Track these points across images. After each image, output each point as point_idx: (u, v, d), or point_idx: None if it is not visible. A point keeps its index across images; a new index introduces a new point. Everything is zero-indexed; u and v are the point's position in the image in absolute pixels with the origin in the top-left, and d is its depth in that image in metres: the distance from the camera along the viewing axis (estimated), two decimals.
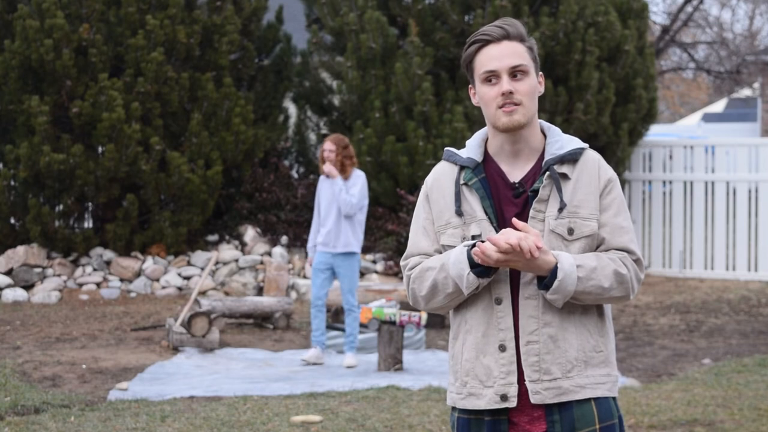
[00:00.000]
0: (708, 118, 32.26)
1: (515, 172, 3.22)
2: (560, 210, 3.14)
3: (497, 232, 3.15)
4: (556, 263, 3.07)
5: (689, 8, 27.87)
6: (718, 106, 38.09)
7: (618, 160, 14.74)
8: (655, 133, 20.64)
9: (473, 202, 3.20)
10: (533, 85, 3.18)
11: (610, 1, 14.82)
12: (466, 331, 3.22)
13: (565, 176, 3.18)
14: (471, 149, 3.27)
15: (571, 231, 3.15)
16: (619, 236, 3.18)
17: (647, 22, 15.97)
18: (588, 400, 3.15)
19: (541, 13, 14.01)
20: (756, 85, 30.45)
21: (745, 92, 33.98)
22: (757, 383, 8.36)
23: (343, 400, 7.81)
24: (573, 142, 3.23)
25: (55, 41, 13.16)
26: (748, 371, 8.87)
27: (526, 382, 3.14)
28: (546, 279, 3.09)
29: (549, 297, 3.10)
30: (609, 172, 3.22)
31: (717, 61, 29.87)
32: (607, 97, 14.49)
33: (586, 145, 3.25)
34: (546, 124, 3.27)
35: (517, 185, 3.19)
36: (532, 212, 3.16)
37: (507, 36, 3.18)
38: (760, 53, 25.49)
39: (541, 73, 3.25)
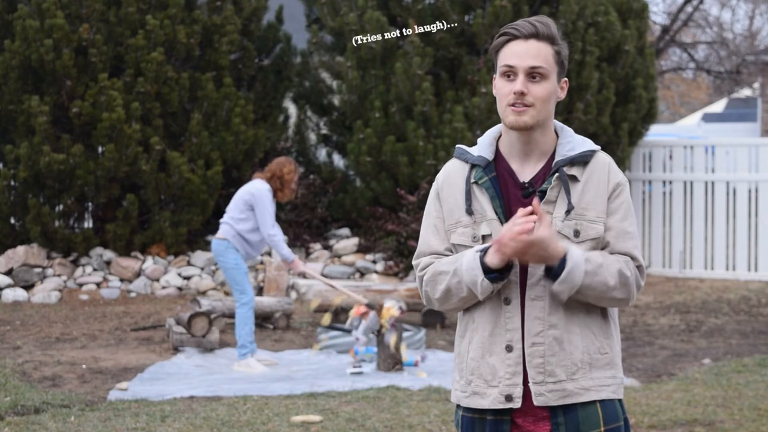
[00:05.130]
0: (708, 118, 32.23)
1: (525, 172, 3.20)
2: (567, 212, 3.13)
3: None
4: (566, 253, 3.06)
5: (689, 8, 27.87)
6: (718, 106, 38.04)
7: (618, 160, 14.73)
8: (655, 133, 20.63)
9: (483, 202, 3.18)
10: (550, 89, 3.15)
11: (610, 1, 14.82)
12: (473, 329, 3.21)
13: (574, 178, 3.16)
14: (482, 147, 3.24)
15: (577, 233, 3.14)
16: (623, 241, 3.17)
17: (647, 22, 15.97)
18: (593, 402, 3.14)
19: (540, 13, 14.01)
20: (756, 85, 30.44)
21: (745, 92, 33.96)
22: (757, 383, 8.36)
23: (343, 400, 7.82)
24: (585, 144, 3.21)
25: (55, 41, 13.16)
26: (748, 371, 8.87)
27: (530, 384, 3.13)
28: (554, 269, 3.06)
29: (555, 288, 3.08)
30: (619, 176, 3.21)
31: (717, 61, 29.87)
32: (607, 97, 14.49)
33: (597, 148, 3.22)
34: (559, 125, 3.25)
35: (526, 185, 3.18)
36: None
37: (536, 35, 3.15)
38: (760, 53, 25.48)
39: (565, 79, 3.22)
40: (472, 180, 3.21)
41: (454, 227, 3.23)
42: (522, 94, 3.12)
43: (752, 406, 7.57)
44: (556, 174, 3.15)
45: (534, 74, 3.14)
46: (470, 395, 3.21)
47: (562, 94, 3.22)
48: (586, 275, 3.07)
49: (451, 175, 3.26)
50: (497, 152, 3.24)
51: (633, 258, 3.17)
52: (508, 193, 3.18)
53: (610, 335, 3.21)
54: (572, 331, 3.14)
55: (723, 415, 7.31)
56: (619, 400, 3.20)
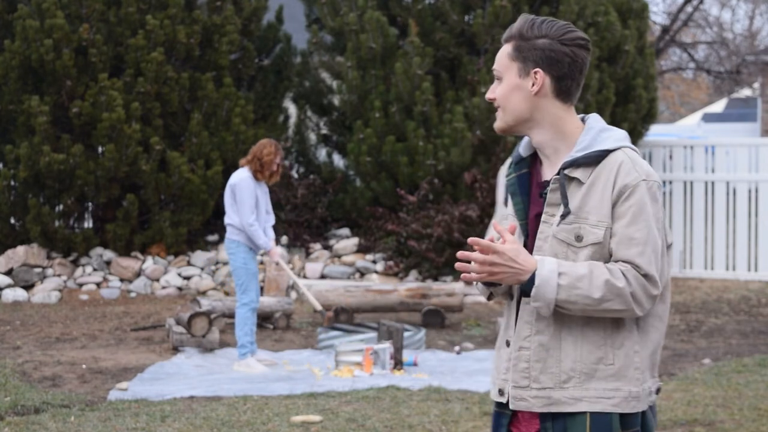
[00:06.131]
0: (708, 118, 32.21)
1: (549, 171, 3.13)
2: (563, 216, 3.03)
3: (523, 228, 3.13)
4: (535, 270, 2.98)
5: (689, 8, 27.88)
6: (718, 106, 38.01)
7: None
8: (655, 133, 20.62)
9: (510, 197, 3.20)
10: (505, 88, 3.12)
11: (610, 1, 14.81)
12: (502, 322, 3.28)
13: (577, 181, 3.05)
14: (523, 143, 3.20)
15: (579, 238, 3.02)
16: (626, 248, 3.00)
17: (647, 22, 15.97)
18: (583, 413, 3.02)
19: (540, 13, 14.01)
20: (756, 85, 30.43)
21: (745, 92, 33.95)
22: (757, 383, 8.36)
23: (343, 400, 7.82)
24: (597, 142, 3.07)
25: (55, 41, 13.16)
26: (748, 371, 8.87)
27: (511, 387, 3.08)
28: (525, 286, 3.00)
29: (532, 305, 3.01)
30: (628, 177, 3.02)
31: (717, 61, 29.88)
32: (607, 97, 14.49)
33: (613, 146, 3.06)
34: (592, 122, 3.13)
35: (544, 184, 3.15)
36: (544, 216, 3.08)
37: (506, 38, 3.16)
38: (760, 53, 25.48)
39: (538, 70, 3.06)
40: (506, 174, 3.23)
41: (504, 216, 3.27)
42: (488, 100, 3.19)
43: (752, 406, 7.57)
44: (557, 176, 3.10)
45: (498, 78, 3.17)
46: (492, 384, 3.25)
47: (534, 88, 3.07)
48: (561, 289, 2.95)
49: (505, 167, 3.34)
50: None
51: (636, 266, 3.01)
52: (532, 190, 3.16)
53: (621, 345, 3.04)
54: (563, 338, 3.04)
55: (723, 415, 7.31)
56: (622, 415, 3.03)
